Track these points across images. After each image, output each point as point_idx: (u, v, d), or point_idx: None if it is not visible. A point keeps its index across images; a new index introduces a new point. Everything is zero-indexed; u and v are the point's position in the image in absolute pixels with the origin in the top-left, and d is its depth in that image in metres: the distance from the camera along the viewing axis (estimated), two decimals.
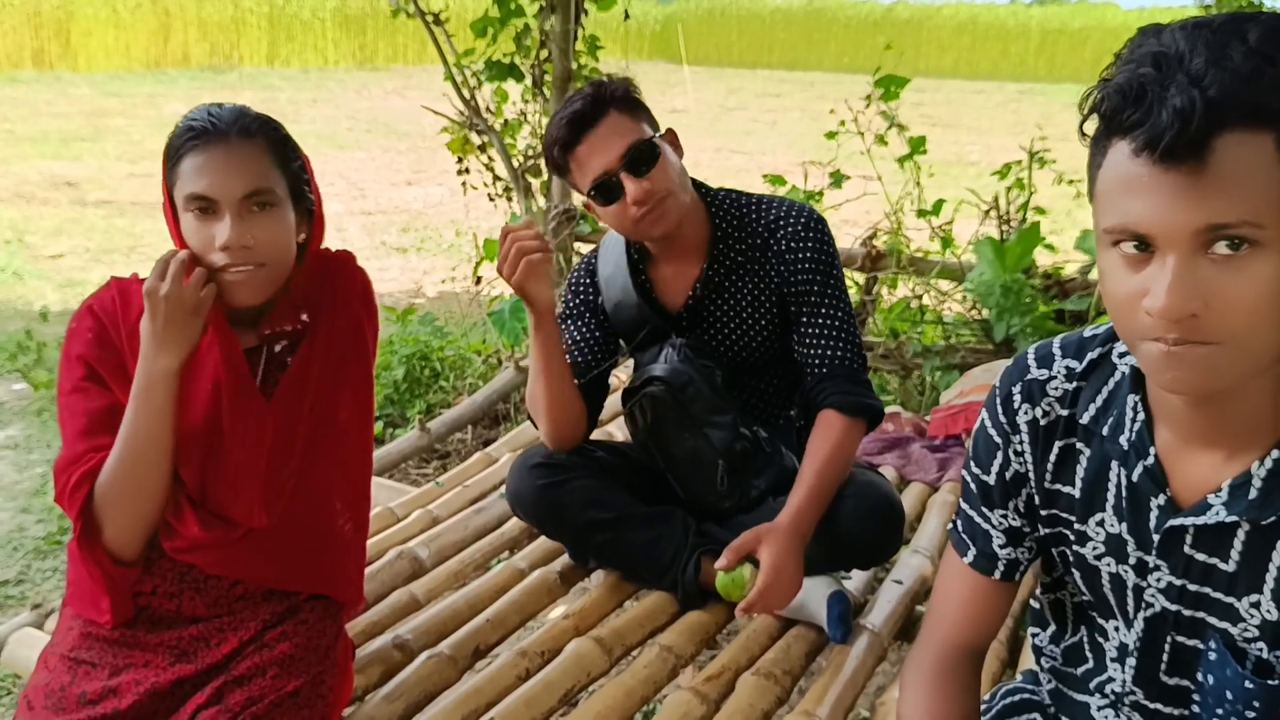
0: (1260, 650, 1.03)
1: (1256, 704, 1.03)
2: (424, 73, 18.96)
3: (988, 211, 4.10)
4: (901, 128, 3.95)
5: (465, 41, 4.18)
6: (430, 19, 4.05)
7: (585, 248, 4.38)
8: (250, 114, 1.50)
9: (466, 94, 4.05)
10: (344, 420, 1.65)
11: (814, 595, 1.90)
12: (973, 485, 1.24)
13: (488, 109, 4.13)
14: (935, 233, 4.06)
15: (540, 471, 2.01)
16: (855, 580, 2.10)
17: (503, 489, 2.44)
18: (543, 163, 4.17)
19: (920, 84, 3.92)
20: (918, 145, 3.96)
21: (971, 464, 1.24)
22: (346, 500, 1.69)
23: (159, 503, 1.48)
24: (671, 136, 1.98)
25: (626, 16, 4.24)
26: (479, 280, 4.40)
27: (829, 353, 1.97)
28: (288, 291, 1.57)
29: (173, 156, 1.46)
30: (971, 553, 1.24)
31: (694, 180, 2.03)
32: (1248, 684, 1.02)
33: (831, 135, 4.01)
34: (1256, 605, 1.02)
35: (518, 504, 2.05)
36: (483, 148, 4.20)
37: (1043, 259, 4.04)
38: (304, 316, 1.62)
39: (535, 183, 4.17)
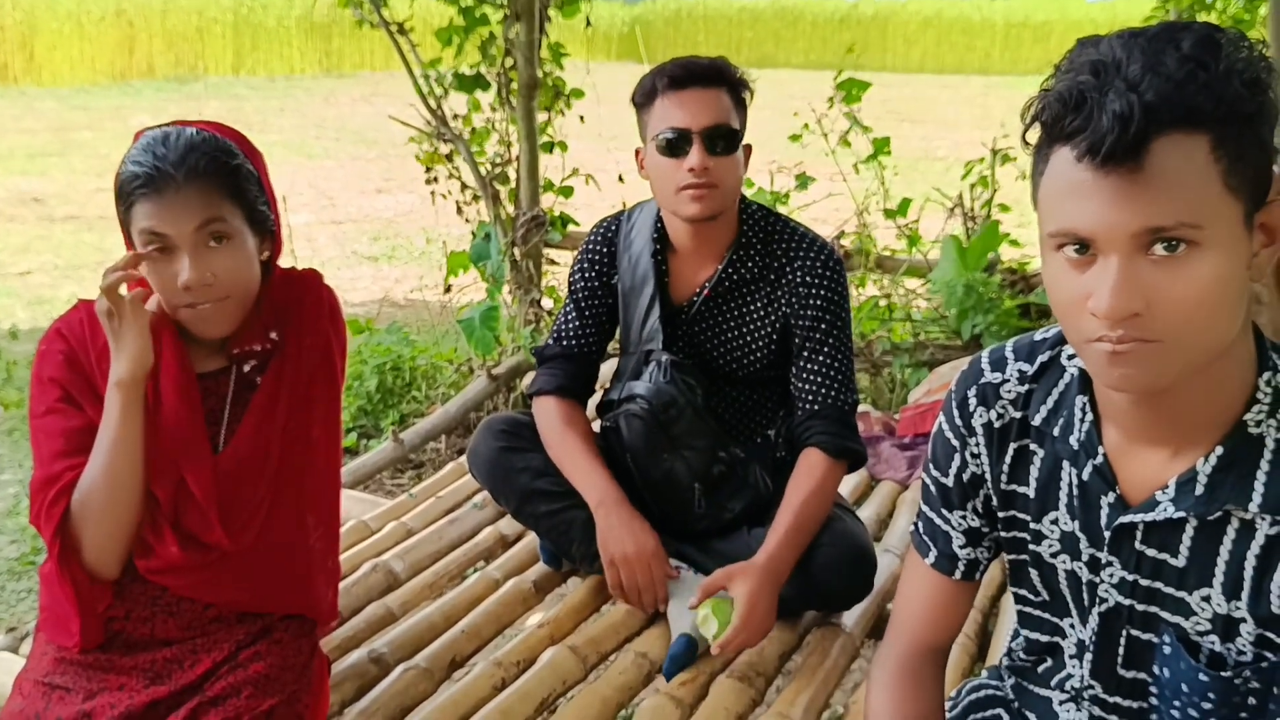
0: (1213, 643, 1.06)
1: (1211, 695, 1.06)
2: (391, 79, 18.85)
3: (953, 209, 4.14)
4: (865, 129, 3.99)
5: (430, 49, 4.19)
6: (394, 28, 4.05)
7: (556, 254, 4.39)
8: (197, 150, 1.46)
9: (433, 104, 4.06)
10: (315, 438, 1.66)
11: (677, 624, 1.90)
12: (932, 487, 1.26)
13: (455, 117, 4.14)
14: (902, 231, 4.10)
15: (502, 435, 2.10)
16: None
17: (476, 499, 2.47)
18: (510, 170, 4.21)
19: (887, 79, 3.96)
20: (881, 146, 4.00)
21: (930, 466, 1.26)
22: (318, 518, 1.69)
23: (134, 517, 1.49)
24: (748, 151, 2.01)
25: (588, 24, 4.25)
26: (449, 289, 4.40)
27: (825, 391, 1.99)
28: (256, 311, 1.58)
29: (123, 198, 1.46)
30: (933, 554, 1.27)
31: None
32: (1202, 676, 1.05)
33: (795, 138, 4.04)
34: (1207, 599, 1.05)
35: (474, 461, 2.14)
36: (450, 156, 4.20)
37: (1007, 254, 4.08)
38: (273, 335, 1.62)
39: (503, 190, 4.18)
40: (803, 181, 3.99)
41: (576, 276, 2.17)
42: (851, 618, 1.97)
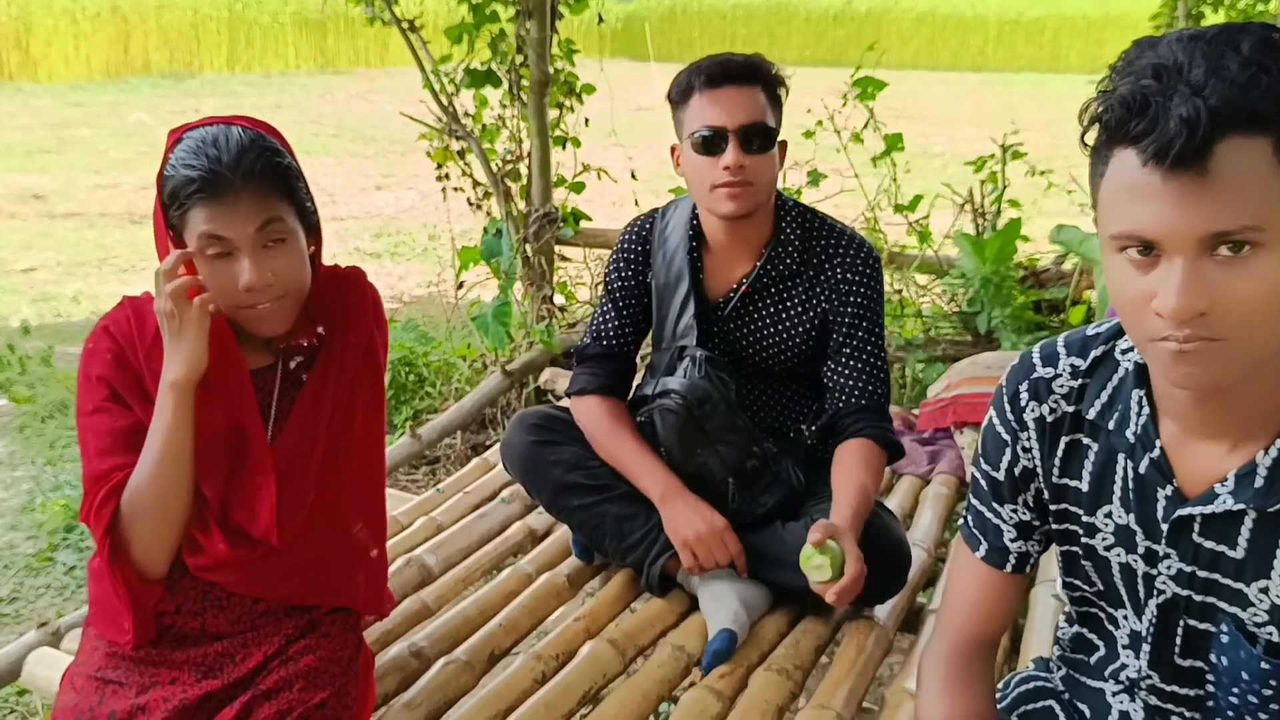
0: (1270, 634, 1.07)
1: (1272, 682, 1.07)
2: (387, 76, 18.83)
3: (963, 205, 4.17)
4: (879, 126, 4.01)
5: (439, 47, 4.19)
6: (405, 25, 4.05)
7: (568, 251, 4.40)
8: (250, 151, 1.45)
9: (444, 100, 4.06)
10: (360, 434, 1.68)
11: (715, 619, 1.90)
12: (982, 481, 1.28)
13: (466, 114, 4.14)
14: (913, 228, 4.12)
15: (534, 429, 2.11)
16: None
17: (504, 494, 2.49)
18: (522, 167, 4.21)
19: (881, 76, 3.96)
20: (894, 143, 4.02)
21: (981, 461, 1.28)
22: (362, 512, 1.71)
23: (183, 517, 1.50)
24: (783, 148, 2.03)
25: (600, 20, 4.27)
26: (460, 285, 4.41)
27: (865, 386, 2.03)
28: (303, 308, 1.59)
29: (176, 203, 1.44)
30: (983, 547, 1.29)
31: None
32: (1263, 664, 1.07)
33: (809, 135, 4.05)
34: (1265, 591, 1.06)
35: (507, 455, 2.14)
36: (461, 153, 4.21)
37: (1021, 250, 4.10)
38: (319, 330, 1.64)
39: (514, 187, 4.19)
40: (814, 178, 4.01)
41: (613, 274, 2.18)
42: (884, 610, 1.99)
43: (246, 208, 1.43)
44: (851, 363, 2.03)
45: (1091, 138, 1.00)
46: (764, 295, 2.07)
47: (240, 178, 1.42)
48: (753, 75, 1.95)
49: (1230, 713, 1.13)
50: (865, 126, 4.04)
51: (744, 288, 2.06)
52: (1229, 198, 0.89)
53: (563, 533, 2.27)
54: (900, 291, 4.17)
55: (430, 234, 7.72)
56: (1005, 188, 4.11)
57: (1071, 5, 26.87)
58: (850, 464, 1.97)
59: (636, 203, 5.13)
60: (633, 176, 4.50)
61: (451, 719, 1.66)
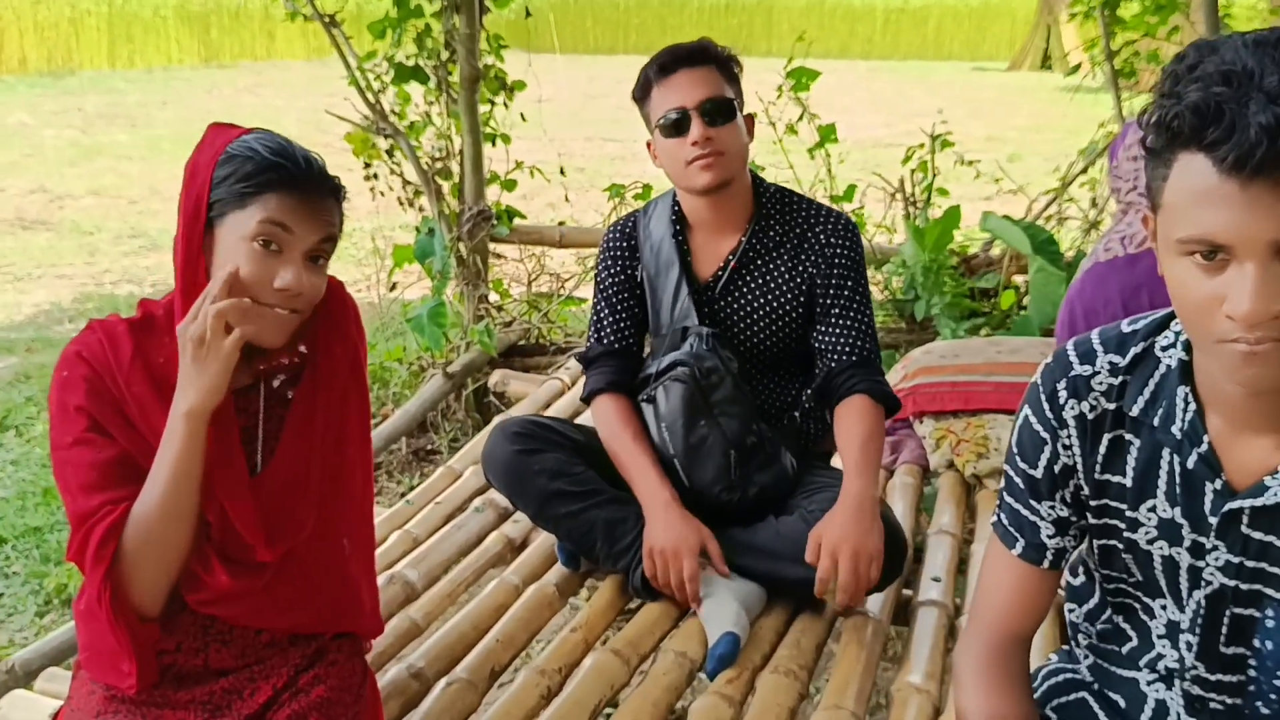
0: None
1: None
2: (274, 69, 18.34)
3: (894, 194, 4.23)
4: (813, 116, 4.04)
5: (360, 42, 4.08)
6: (326, 20, 3.93)
7: (503, 249, 4.33)
8: (325, 167, 1.48)
9: (371, 98, 3.95)
10: (351, 449, 1.61)
11: (714, 625, 1.90)
12: (1018, 480, 1.28)
13: (393, 112, 4.04)
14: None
15: (516, 439, 2.10)
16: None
17: (476, 503, 2.43)
18: (454, 164, 4.13)
19: (775, 65, 4.01)
20: (827, 134, 4.06)
21: (1017, 459, 1.28)
22: (356, 531, 1.65)
23: (188, 550, 1.42)
24: (750, 120, 2.12)
25: (528, 14, 4.20)
26: (394, 286, 4.31)
27: (855, 343, 2.09)
28: None
29: (253, 184, 1.39)
30: (1020, 544, 1.29)
31: (750, 170, 2.16)
32: None
33: None
34: None
35: (490, 467, 2.13)
36: (390, 152, 4.11)
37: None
38: (301, 348, 1.57)
39: (446, 185, 4.10)
40: (754, 171, 4.02)
41: (602, 274, 2.23)
42: (876, 604, 2.01)
43: (319, 215, 1.43)
44: (841, 322, 2.10)
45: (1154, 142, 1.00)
46: (751, 268, 2.13)
47: (328, 189, 1.45)
48: (703, 56, 2.05)
49: (1273, 695, 1.16)
50: (800, 119, 4.07)
51: (732, 263, 2.12)
52: None
53: (543, 541, 2.23)
54: None
55: (346, 233, 7.52)
56: (935, 176, 4.18)
57: None
58: (848, 428, 2.03)
59: (567, 199, 5.11)
60: (561, 172, 4.46)
61: None
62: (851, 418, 2.03)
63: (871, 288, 4.21)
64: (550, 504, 2.04)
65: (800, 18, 27.24)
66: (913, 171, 4.23)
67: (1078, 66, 4.61)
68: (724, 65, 2.06)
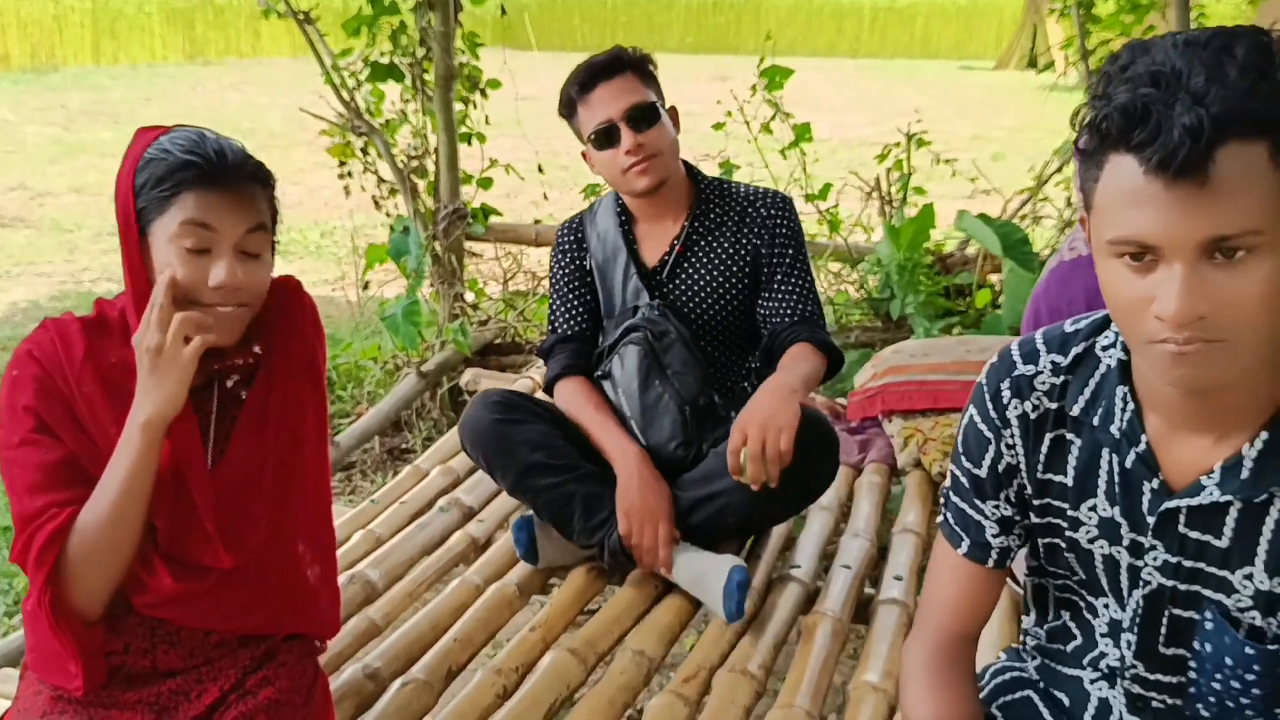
0: (1253, 619, 1.11)
1: (1255, 667, 1.11)
2: (260, 66, 18.26)
3: (870, 193, 4.23)
4: (787, 115, 4.04)
5: (337, 41, 4.07)
6: (301, 17, 3.91)
7: (478, 247, 4.33)
8: (248, 156, 1.45)
9: (346, 96, 3.94)
10: (306, 450, 1.61)
11: (716, 568, 1.97)
12: (963, 479, 1.28)
13: (368, 110, 4.03)
14: (824, 216, 4.17)
15: (498, 408, 2.13)
16: (804, 567, 2.16)
17: (441, 503, 2.43)
18: (429, 162, 4.12)
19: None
20: (803, 133, 4.06)
21: (962, 459, 1.28)
22: (311, 533, 1.64)
23: (131, 560, 1.41)
24: (673, 112, 2.21)
25: (503, 13, 4.19)
26: (366, 285, 4.30)
27: (799, 306, 2.17)
28: None
29: (166, 187, 1.38)
30: (965, 544, 1.29)
31: (683, 160, 2.25)
32: (1247, 650, 1.10)
33: (719, 126, 4.07)
34: (1249, 577, 1.09)
35: (470, 435, 2.14)
36: (365, 149, 4.09)
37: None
38: (256, 348, 1.56)
39: (421, 183, 4.09)
40: (727, 169, 4.02)
41: (554, 267, 2.31)
42: (836, 603, 2.01)
43: (241, 206, 1.40)
44: (783, 287, 2.18)
45: (1085, 143, 1.00)
46: (696, 250, 2.22)
47: (245, 177, 1.41)
48: (618, 65, 2.12)
49: (1211, 698, 1.16)
50: (774, 118, 4.07)
51: (677, 247, 2.21)
52: (1229, 203, 0.91)
53: (506, 540, 2.23)
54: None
55: (323, 231, 7.51)
56: (910, 175, 4.18)
57: None
58: (787, 356, 2.09)
59: (545, 196, 5.10)
60: (539, 170, 4.45)
61: None
62: (788, 356, 2.10)
63: (848, 286, 4.25)
64: (530, 474, 2.06)
65: (788, 16, 27.28)
66: (889, 170, 4.23)
67: (1051, 64, 4.62)
68: (639, 68, 2.14)
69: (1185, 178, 0.90)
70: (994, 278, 4.07)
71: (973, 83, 18.71)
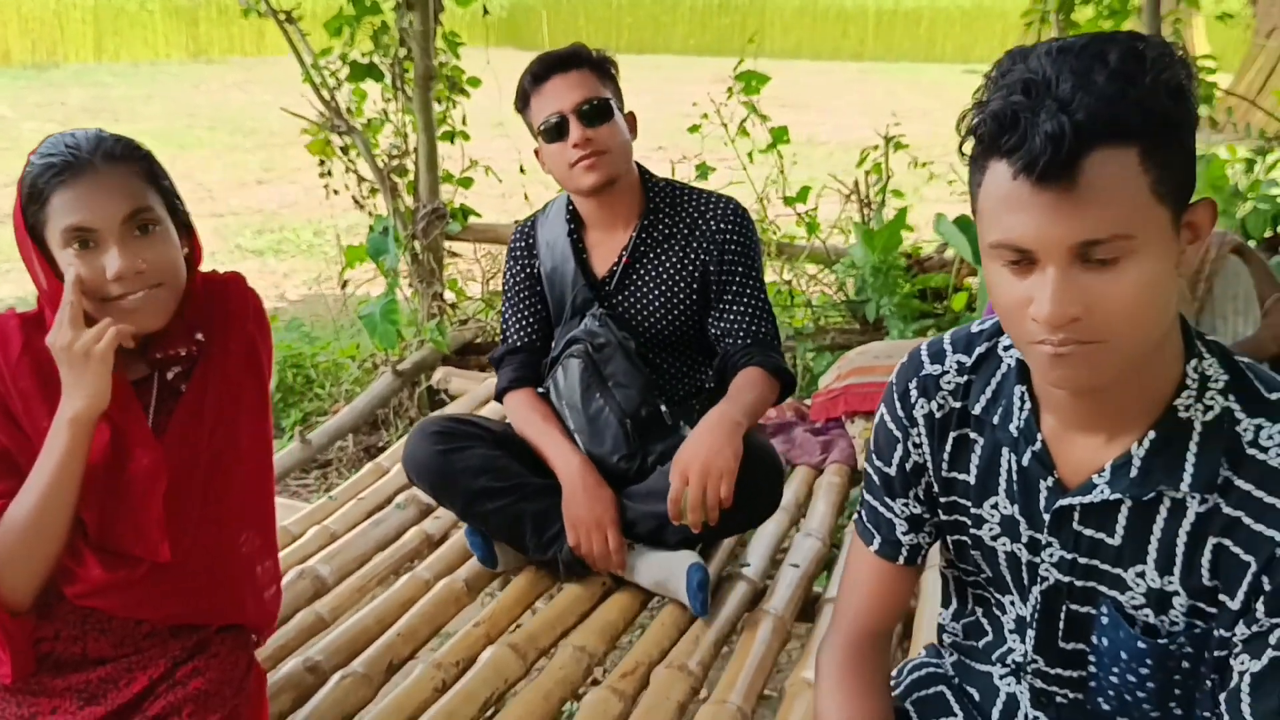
0: (1147, 615, 1.12)
1: (1148, 661, 1.13)
2: (264, 65, 18.28)
3: (849, 195, 4.25)
4: (764, 118, 4.06)
5: (319, 40, 4.09)
6: (282, 17, 3.94)
7: (456, 246, 4.35)
8: (110, 137, 1.44)
9: (326, 95, 3.96)
10: (243, 443, 1.63)
11: (676, 568, 2.00)
12: (875, 477, 1.31)
13: (348, 109, 4.05)
14: (801, 218, 4.19)
15: (438, 438, 2.11)
16: (755, 565, 2.17)
17: (399, 499, 2.45)
18: (408, 162, 4.15)
19: (765, 65, 4.04)
20: (780, 135, 4.07)
21: (874, 457, 1.31)
22: (250, 524, 1.66)
23: (60, 551, 1.44)
24: (631, 118, 2.17)
25: (486, 12, 4.21)
26: (345, 284, 4.32)
27: (752, 326, 2.14)
28: (179, 315, 1.53)
29: (36, 197, 1.40)
30: (877, 541, 1.31)
31: (637, 163, 2.20)
32: (1140, 644, 1.12)
33: (694, 129, 4.08)
34: (1141, 575, 1.11)
35: (413, 469, 2.14)
36: (345, 149, 4.12)
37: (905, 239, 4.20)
38: (198, 337, 1.58)
39: (401, 182, 4.12)
40: (703, 171, 4.04)
41: (507, 276, 2.30)
42: (781, 601, 2.02)
43: (111, 193, 1.39)
44: (735, 307, 2.15)
45: (969, 148, 1.02)
46: (644, 261, 2.18)
47: (101, 159, 1.40)
48: (574, 60, 2.09)
49: (1110, 691, 1.18)
50: (746, 119, 4.09)
51: (625, 258, 2.17)
52: (1098, 208, 0.92)
53: (459, 538, 2.24)
54: (790, 282, 4.23)
55: (315, 230, 7.54)
56: (889, 178, 4.20)
57: None
58: (736, 381, 2.07)
59: (526, 197, 5.11)
60: (521, 170, 4.46)
61: None
62: (737, 381, 2.08)
63: (825, 289, 4.26)
64: (477, 501, 2.07)
65: (793, 19, 27.28)
66: (867, 173, 4.25)
67: None
68: (598, 66, 2.11)
69: (1052, 183, 0.92)
70: (972, 280, 4.08)
71: (976, 85, 18.66)
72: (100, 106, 13.21)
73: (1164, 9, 3.82)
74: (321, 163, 4.13)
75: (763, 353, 2.12)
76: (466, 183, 4.21)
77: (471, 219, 4.27)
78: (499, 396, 2.26)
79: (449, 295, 4.29)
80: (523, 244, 2.29)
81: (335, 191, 4.19)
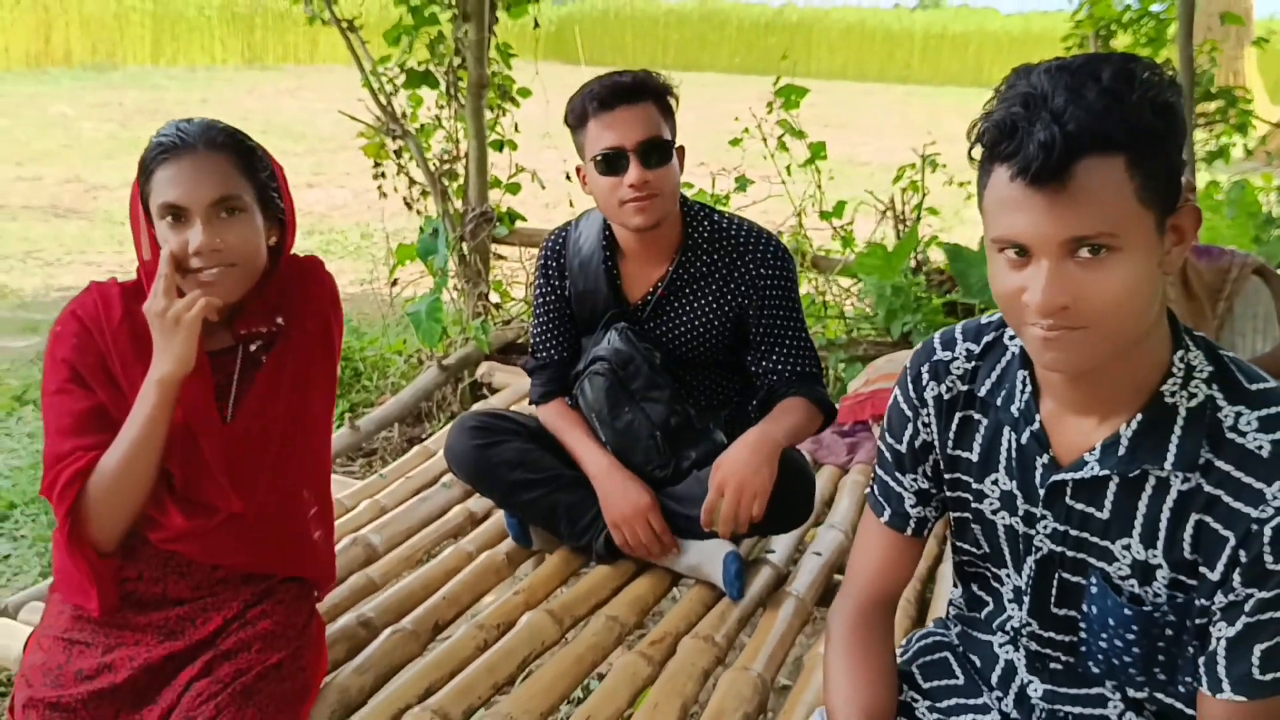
0: (1132, 586, 1.24)
1: (1134, 627, 1.24)
2: (316, 72, 18.66)
3: (884, 212, 4.36)
4: (801, 134, 4.18)
5: (378, 48, 4.27)
6: (345, 25, 4.13)
7: (503, 250, 4.50)
8: (217, 126, 1.61)
9: (383, 100, 4.14)
10: (314, 414, 1.78)
11: (712, 556, 2.09)
12: (887, 453, 1.43)
13: (403, 115, 4.23)
14: (837, 233, 4.31)
15: (475, 433, 2.21)
16: (779, 552, 2.29)
17: (445, 479, 2.59)
18: (459, 166, 4.31)
19: (811, 85, 4.15)
20: (818, 151, 4.20)
21: (886, 434, 1.43)
22: (314, 489, 1.81)
23: (145, 500, 1.59)
24: (681, 152, 2.11)
25: (536, 25, 4.38)
26: (395, 283, 4.49)
27: (796, 366, 2.18)
28: (261, 294, 1.69)
29: (145, 171, 1.58)
30: (887, 513, 1.44)
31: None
32: (1126, 610, 1.23)
33: (735, 142, 4.21)
34: (1127, 548, 1.23)
35: (453, 461, 2.24)
36: (398, 152, 4.29)
37: (936, 256, 4.31)
38: (279, 319, 1.73)
39: (451, 186, 4.29)
40: (742, 184, 4.17)
41: (536, 292, 2.33)
42: (803, 585, 2.14)
43: (205, 176, 1.55)
44: (779, 348, 2.17)
45: (977, 153, 1.15)
46: (679, 295, 2.19)
47: (204, 144, 1.56)
48: (643, 92, 2.03)
49: (1099, 655, 1.29)
50: (784, 134, 4.21)
51: (660, 290, 2.18)
52: (1086, 209, 1.05)
53: (500, 515, 2.38)
54: (824, 294, 4.35)
55: (363, 232, 7.74)
56: (925, 196, 4.31)
57: (994, 22, 27.57)
58: (777, 408, 2.14)
59: (571, 204, 5.27)
60: (567, 178, 4.60)
61: (400, 682, 1.76)
62: (781, 405, 2.14)
63: (855, 301, 4.37)
64: (514, 492, 2.18)
65: (840, 40, 27.38)
66: (903, 190, 4.36)
67: None
68: (661, 99, 2.06)
69: (1045, 185, 1.05)
70: None
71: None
72: (156, 108, 13.56)
73: (1198, 39, 3.91)
74: (376, 164, 4.30)
75: (808, 386, 2.17)
76: (514, 188, 4.36)
77: (518, 223, 4.42)
78: (532, 406, 2.35)
79: (494, 296, 4.44)
80: (553, 264, 2.27)
81: (384, 195, 4.36)
